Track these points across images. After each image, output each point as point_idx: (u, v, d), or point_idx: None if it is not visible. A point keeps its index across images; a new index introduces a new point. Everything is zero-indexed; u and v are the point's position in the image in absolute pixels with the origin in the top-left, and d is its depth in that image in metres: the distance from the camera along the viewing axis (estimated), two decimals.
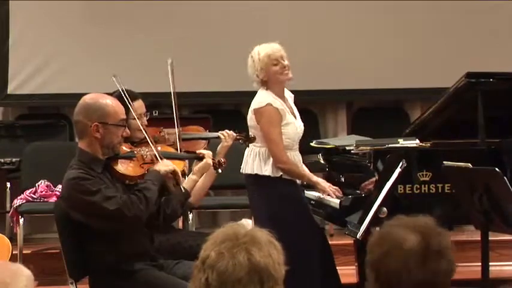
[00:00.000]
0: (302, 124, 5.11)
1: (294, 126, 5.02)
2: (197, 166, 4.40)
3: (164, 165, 4.13)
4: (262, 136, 4.98)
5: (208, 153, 4.44)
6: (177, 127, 4.60)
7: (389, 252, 2.33)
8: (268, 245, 2.26)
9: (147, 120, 4.62)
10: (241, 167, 5.12)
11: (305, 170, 5.13)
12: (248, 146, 5.05)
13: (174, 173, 4.14)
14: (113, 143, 4.03)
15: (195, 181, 4.37)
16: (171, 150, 4.47)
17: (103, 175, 4.02)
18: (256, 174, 4.99)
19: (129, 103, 4.33)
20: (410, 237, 2.33)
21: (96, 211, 3.91)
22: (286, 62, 4.99)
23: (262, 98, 4.99)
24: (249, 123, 5.08)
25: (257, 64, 4.96)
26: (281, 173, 4.97)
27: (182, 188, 4.19)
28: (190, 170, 4.52)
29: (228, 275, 2.20)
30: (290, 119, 5.01)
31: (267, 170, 4.97)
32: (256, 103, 5.01)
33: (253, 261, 2.21)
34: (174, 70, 4.66)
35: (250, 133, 5.01)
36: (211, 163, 4.40)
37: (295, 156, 5.04)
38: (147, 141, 4.26)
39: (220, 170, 4.50)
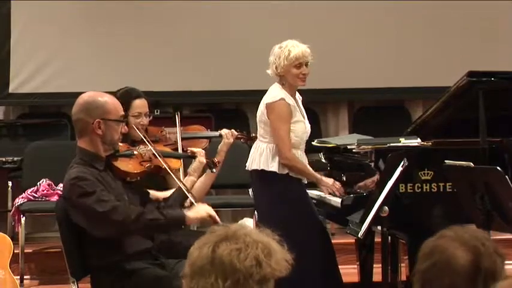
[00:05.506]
0: (309, 126, 5.11)
1: (303, 125, 5.02)
2: (192, 166, 4.40)
3: (195, 212, 4.00)
4: (271, 131, 4.98)
5: (199, 152, 4.43)
6: (179, 131, 4.60)
7: (437, 266, 2.22)
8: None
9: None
10: (247, 163, 5.10)
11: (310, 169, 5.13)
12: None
13: (211, 217, 4.03)
14: (113, 139, 4.05)
15: (193, 181, 4.39)
16: (167, 149, 4.48)
17: (105, 172, 4.03)
18: (262, 170, 4.97)
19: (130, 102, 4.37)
20: (461, 255, 2.22)
21: (87, 212, 3.91)
22: (307, 70, 5.00)
23: (276, 92, 4.98)
24: (259, 118, 5.06)
25: (282, 59, 4.95)
26: (287, 171, 4.97)
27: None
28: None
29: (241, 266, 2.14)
30: (300, 118, 5.01)
31: (273, 166, 4.95)
32: (269, 97, 5.00)
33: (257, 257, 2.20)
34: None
35: (259, 130, 5.00)
36: (205, 161, 4.40)
37: (301, 156, 5.04)
38: (145, 140, 4.28)
39: (214, 170, 4.49)
